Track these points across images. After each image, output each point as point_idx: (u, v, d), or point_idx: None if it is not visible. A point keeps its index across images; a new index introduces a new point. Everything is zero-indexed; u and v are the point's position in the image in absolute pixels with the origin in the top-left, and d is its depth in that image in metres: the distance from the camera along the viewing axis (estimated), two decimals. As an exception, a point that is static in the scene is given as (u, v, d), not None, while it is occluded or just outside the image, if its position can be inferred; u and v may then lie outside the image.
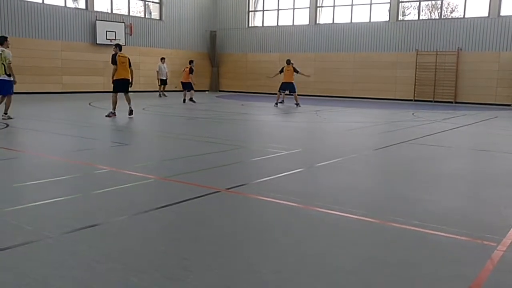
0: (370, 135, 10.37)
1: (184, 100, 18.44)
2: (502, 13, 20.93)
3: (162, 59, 22.45)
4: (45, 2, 21.08)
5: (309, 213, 4.25)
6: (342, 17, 25.00)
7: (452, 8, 23.54)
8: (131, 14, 24.80)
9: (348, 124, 12.53)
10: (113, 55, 12.19)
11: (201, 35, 28.41)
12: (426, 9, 24.27)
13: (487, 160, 7.67)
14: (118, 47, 12.34)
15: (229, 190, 4.94)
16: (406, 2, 23.72)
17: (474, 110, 18.29)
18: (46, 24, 21.08)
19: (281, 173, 5.78)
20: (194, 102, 18.25)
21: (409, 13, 24.22)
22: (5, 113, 10.84)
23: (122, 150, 7.85)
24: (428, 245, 3.48)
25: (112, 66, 12.16)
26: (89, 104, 16.47)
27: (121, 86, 12.22)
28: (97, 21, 22.70)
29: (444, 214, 4.24)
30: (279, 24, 27.11)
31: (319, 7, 25.61)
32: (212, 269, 2.95)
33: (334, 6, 25.15)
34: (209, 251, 3.26)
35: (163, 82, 22.26)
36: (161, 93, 22.27)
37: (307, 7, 25.81)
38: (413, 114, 15.79)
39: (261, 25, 27.97)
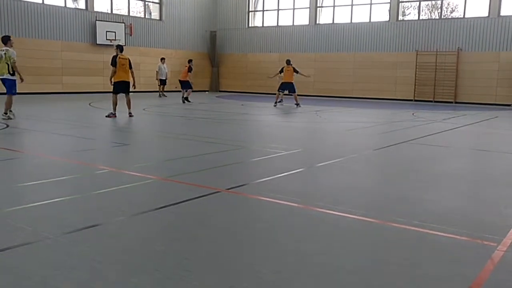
0: (370, 135, 10.37)
1: (183, 100, 18.52)
2: (502, 13, 20.93)
3: (162, 59, 22.47)
4: (45, 2, 21.09)
5: (309, 213, 4.25)
6: (342, 17, 25.01)
7: (452, 8, 23.55)
8: (131, 14, 24.81)
9: (348, 124, 12.53)
10: (113, 56, 12.16)
11: (201, 35, 28.42)
12: (426, 9, 24.27)
13: (487, 160, 7.67)
14: (119, 48, 12.28)
15: (229, 190, 4.94)
16: (406, 2, 23.72)
17: (474, 110, 18.29)
18: (46, 25, 21.09)
19: (281, 173, 5.78)
20: (190, 102, 18.25)
21: (409, 13, 24.23)
22: (5, 113, 10.86)
23: (123, 150, 7.85)
24: (428, 245, 3.48)
25: (111, 68, 12.15)
26: (89, 104, 16.48)
27: (121, 88, 12.22)
28: (97, 22, 22.70)
29: (444, 214, 4.24)
30: (279, 24, 27.11)
31: (319, 7, 25.61)
32: (212, 269, 2.95)
33: (334, 6, 25.15)
34: (209, 251, 3.26)
35: (163, 82, 22.27)
36: (160, 93, 22.29)
37: (307, 7, 25.81)
38: (413, 114, 15.79)
39: (261, 25, 27.98)
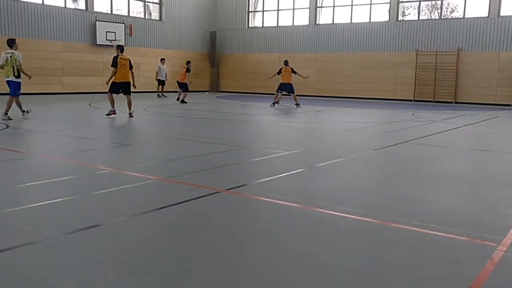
0: (370, 135, 10.37)
1: (178, 99, 18.80)
2: (502, 13, 20.93)
3: (162, 59, 22.48)
4: (45, 3, 21.09)
5: (309, 213, 4.25)
6: (342, 17, 25.01)
7: (452, 8, 23.56)
8: (131, 14, 24.81)
9: (348, 124, 12.53)
10: (114, 57, 12.15)
11: (201, 36, 28.42)
12: (426, 9, 24.28)
13: (487, 160, 7.67)
14: (120, 48, 12.28)
15: (230, 190, 4.94)
16: (406, 2, 23.73)
17: (474, 110, 18.30)
18: (46, 25, 21.10)
19: (282, 174, 5.79)
20: (185, 102, 18.32)
21: (409, 13, 24.24)
22: (5, 114, 10.89)
23: (123, 150, 7.85)
24: (428, 245, 3.48)
25: (112, 69, 12.15)
26: (89, 104, 16.48)
27: (120, 88, 12.23)
28: (97, 22, 22.71)
29: (444, 214, 4.24)
30: (279, 24, 27.11)
31: (319, 7, 25.62)
32: (212, 269, 2.95)
33: (334, 6, 25.15)
34: (209, 251, 3.26)
35: (161, 83, 22.28)
36: (159, 93, 22.30)
37: (307, 8, 25.81)
38: (413, 114, 15.79)
39: (261, 25, 27.98)
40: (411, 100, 22.82)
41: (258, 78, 26.73)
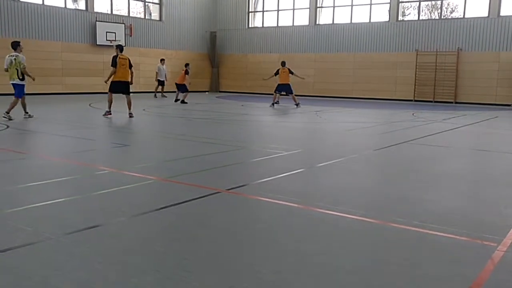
0: (370, 136, 10.38)
1: (176, 100, 18.89)
2: (502, 13, 20.93)
3: (162, 60, 22.48)
4: (45, 3, 21.09)
5: (309, 213, 4.25)
6: (342, 17, 25.01)
7: (452, 8, 23.56)
8: (131, 15, 24.81)
9: (348, 125, 12.53)
10: (113, 56, 12.26)
11: (201, 36, 28.42)
12: (426, 9, 24.28)
13: (487, 160, 7.67)
14: (119, 48, 12.41)
15: (230, 190, 4.95)
16: (406, 2, 23.73)
17: (474, 110, 18.30)
18: (46, 25, 21.10)
19: (282, 174, 5.79)
20: (186, 103, 18.38)
21: (409, 13, 24.24)
22: (7, 113, 10.95)
23: (123, 151, 7.86)
24: (428, 245, 3.48)
25: (111, 68, 12.24)
26: (89, 105, 16.48)
27: (120, 88, 12.30)
28: (97, 22, 22.71)
29: (444, 214, 4.24)
30: (279, 24, 27.12)
31: (319, 7, 25.62)
32: (212, 269, 2.95)
33: (334, 6, 25.15)
34: (209, 251, 3.26)
35: (161, 83, 22.29)
36: (156, 93, 22.32)
37: (307, 8, 25.82)
38: (413, 114, 15.79)
39: (261, 25, 27.98)
40: (411, 100, 22.82)
41: (258, 79, 26.67)
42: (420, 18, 23.29)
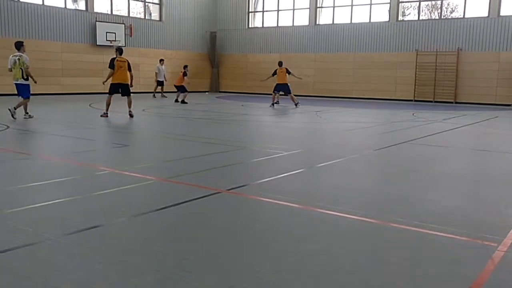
0: (370, 136, 10.37)
1: (176, 100, 18.99)
2: (502, 13, 20.93)
3: (161, 60, 22.48)
4: (45, 3, 21.09)
5: (309, 213, 4.25)
6: (342, 17, 25.01)
7: (452, 8, 23.56)
8: (131, 15, 24.80)
9: (348, 125, 12.53)
10: (111, 59, 12.45)
11: (201, 36, 28.42)
12: (426, 9, 24.28)
13: (487, 160, 7.67)
14: (119, 50, 12.58)
15: (230, 191, 4.95)
16: (406, 2, 23.73)
17: (474, 110, 18.30)
18: (46, 26, 21.10)
19: (282, 174, 5.79)
20: (186, 103, 18.43)
21: (409, 13, 24.24)
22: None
23: (123, 151, 7.86)
24: (428, 245, 3.48)
25: (109, 70, 12.39)
26: (89, 105, 16.49)
27: (118, 89, 12.40)
28: (97, 22, 22.71)
29: (444, 214, 4.24)
30: (279, 24, 27.12)
31: (319, 7, 25.62)
32: (212, 269, 2.95)
33: (334, 6, 25.15)
34: (209, 251, 3.26)
35: (161, 84, 22.30)
36: (155, 94, 22.34)
37: (307, 8, 25.82)
38: (413, 114, 15.79)
39: (261, 25, 27.98)
40: (411, 100, 22.82)
41: (258, 79, 26.60)
42: (420, 18, 23.29)
